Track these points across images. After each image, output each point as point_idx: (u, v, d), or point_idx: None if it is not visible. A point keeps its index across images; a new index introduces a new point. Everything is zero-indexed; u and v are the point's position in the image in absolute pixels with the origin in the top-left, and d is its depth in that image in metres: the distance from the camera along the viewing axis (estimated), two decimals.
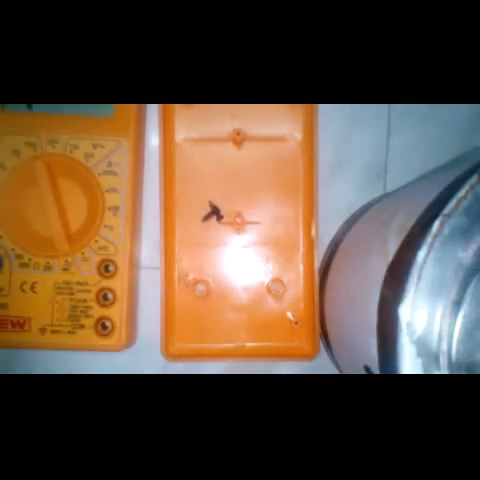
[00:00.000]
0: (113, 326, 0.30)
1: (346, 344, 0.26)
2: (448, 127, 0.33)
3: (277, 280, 0.32)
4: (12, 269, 0.30)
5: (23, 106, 0.30)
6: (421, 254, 0.18)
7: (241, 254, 0.32)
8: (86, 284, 0.30)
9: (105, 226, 0.30)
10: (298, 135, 0.32)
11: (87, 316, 0.30)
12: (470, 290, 0.18)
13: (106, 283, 0.30)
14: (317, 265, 0.31)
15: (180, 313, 0.32)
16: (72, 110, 0.30)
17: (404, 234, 0.20)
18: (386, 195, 0.32)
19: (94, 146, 0.30)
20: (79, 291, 0.30)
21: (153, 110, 0.32)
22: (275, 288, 0.32)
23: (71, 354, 0.30)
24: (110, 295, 0.30)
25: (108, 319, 0.30)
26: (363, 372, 0.22)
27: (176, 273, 0.32)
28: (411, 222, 0.20)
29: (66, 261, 0.30)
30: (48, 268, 0.30)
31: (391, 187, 0.33)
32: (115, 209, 0.30)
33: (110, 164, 0.30)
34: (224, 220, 0.32)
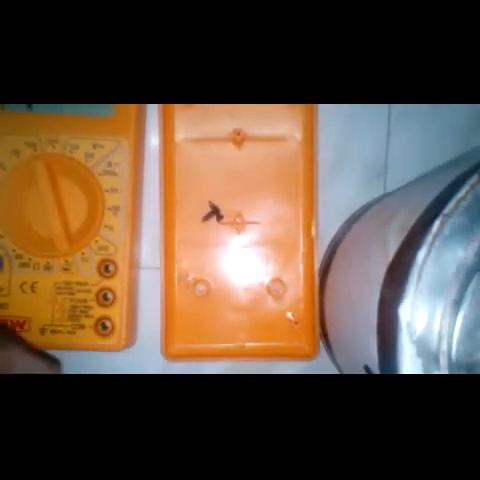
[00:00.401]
0: (113, 326, 0.30)
1: (346, 344, 0.26)
2: (448, 127, 0.33)
3: (277, 280, 0.32)
4: (12, 269, 0.30)
5: (23, 106, 0.30)
6: (421, 254, 0.18)
7: (241, 254, 0.32)
8: (86, 284, 0.30)
9: (105, 226, 0.30)
10: (298, 135, 0.32)
11: (87, 316, 0.30)
12: (470, 290, 0.18)
13: (106, 283, 0.30)
14: (317, 265, 0.31)
15: (180, 313, 0.32)
16: (72, 110, 0.29)
17: (404, 234, 0.20)
18: (386, 195, 0.32)
19: (94, 146, 0.30)
20: (79, 291, 0.30)
21: (153, 110, 0.32)
22: (275, 288, 0.32)
23: (71, 354, 0.30)
24: (110, 295, 0.30)
25: (108, 319, 0.30)
26: (363, 372, 0.22)
27: (176, 273, 0.32)
28: (411, 222, 0.20)
29: (66, 261, 0.30)
30: (48, 268, 0.30)
31: (391, 187, 0.33)
32: (115, 209, 0.30)
33: (110, 164, 0.30)
34: (224, 220, 0.32)
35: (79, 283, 0.30)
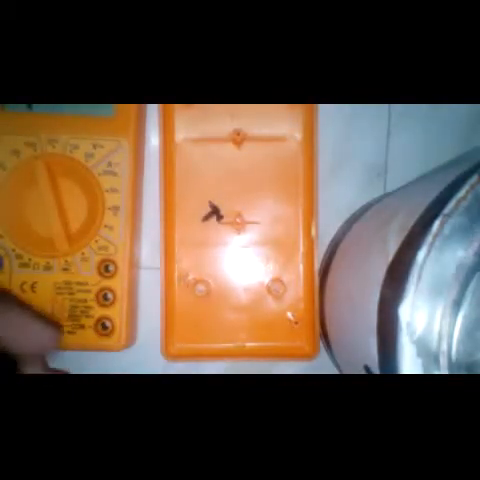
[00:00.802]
0: (113, 326, 0.30)
1: (346, 344, 0.26)
2: (448, 127, 0.33)
3: (277, 280, 0.32)
4: (12, 269, 0.30)
5: (23, 106, 0.29)
6: (421, 254, 0.18)
7: (241, 254, 0.32)
8: (86, 284, 0.30)
9: (105, 226, 0.30)
10: (298, 135, 0.32)
11: (87, 316, 0.30)
12: (470, 290, 0.18)
13: (106, 283, 0.30)
14: (317, 265, 0.31)
15: (180, 313, 0.32)
16: (72, 110, 0.29)
17: (404, 234, 0.20)
18: (386, 195, 0.32)
19: (94, 146, 0.30)
20: (79, 291, 0.30)
21: (153, 110, 0.32)
22: (275, 288, 0.32)
23: (71, 354, 0.30)
24: (110, 295, 0.30)
25: (108, 319, 0.30)
26: (363, 372, 0.22)
27: (176, 273, 0.32)
28: (411, 222, 0.20)
29: (66, 261, 0.30)
30: (48, 268, 0.30)
31: (391, 187, 0.33)
32: (115, 209, 0.30)
33: (110, 164, 0.30)
34: (224, 220, 0.32)
35: (79, 283, 0.30)
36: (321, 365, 0.32)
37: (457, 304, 0.18)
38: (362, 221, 0.29)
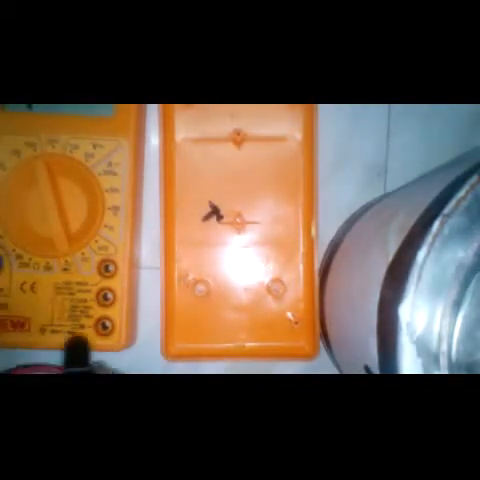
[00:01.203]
0: (113, 326, 0.30)
1: (346, 344, 0.26)
2: (448, 127, 0.33)
3: (277, 280, 0.32)
4: (12, 269, 0.30)
5: (23, 106, 0.30)
6: (421, 254, 0.18)
7: (241, 254, 0.32)
8: (86, 284, 0.30)
9: (105, 226, 0.30)
10: (298, 135, 0.32)
11: (87, 316, 0.30)
12: (470, 290, 0.18)
13: (106, 283, 0.30)
14: (317, 265, 0.31)
15: (180, 313, 0.32)
16: (72, 110, 0.29)
17: (404, 234, 0.20)
18: (386, 195, 0.32)
19: (94, 146, 0.30)
20: (79, 291, 0.30)
21: (153, 110, 0.32)
22: (275, 288, 0.32)
23: None
24: (110, 295, 0.30)
25: (108, 319, 0.30)
26: (363, 372, 0.22)
27: (176, 273, 0.32)
28: (411, 222, 0.20)
29: (66, 261, 0.30)
30: (48, 268, 0.30)
31: (391, 187, 0.33)
32: (115, 209, 0.30)
33: (110, 164, 0.30)
34: (224, 220, 0.32)
35: (79, 283, 0.30)
36: (321, 365, 0.32)
37: (457, 304, 0.18)
38: (362, 221, 0.29)
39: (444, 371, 0.18)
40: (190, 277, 0.32)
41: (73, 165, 0.30)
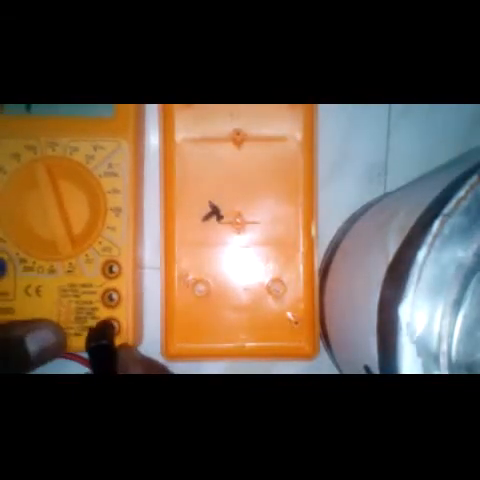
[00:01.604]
0: (120, 327, 0.30)
1: (346, 344, 0.26)
2: (449, 127, 0.33)
3: (277, 280, 0.32)
4: (16, 273, 0.30)
5: (22, 108, 0.29)
6: (421, 254, 0.18)
7: (241, 254, 0.32)
8: (91, 286, 0.30)
9: (107, 227, 0.30)
10: (298, 135, 0.32)
11: (93, 317, 0.30)
12: (470, 290, 0.18)
13: (111, 284, 0.30)
14: (317, 265, 0.31)
15: (180, 313, 0.32)
16: (71, 112, 0.29)
17: (404, 234, 0.20)
18: (386, 195, 0.32)
19: (94, 148, 0.30)
20: (84, 293, 0.30)
21: (153, 110, 0.32)
22: (275, 288, 0.32)
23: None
24: (115, 296, 0.30)
25: (114, 320, 0.30)
26: (363, 372, 0.22)
27: (176, 273, 0.32)
28: (411, 222, 0.20)
29: (70, 264, 0.30)
30: (52, 271, 0.30)
31: (391, 187, 0.33)
32: (117, 210, 0.30)
33: (110, 165, 0.30)
34: (224, 220, 0.32)
35: (84, 285, 0.30)
36: (321, 365, 0.32)
37: (457, 304, 0.18)
38: (362, 221, 0.29)
39: (444, 371, 0.18)
40: (190, 277, 0.32)
41: (74, 167, 0.29)
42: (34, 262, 0.30)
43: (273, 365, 0.33)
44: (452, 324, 0.18)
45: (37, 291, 0.30)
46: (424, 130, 0.33)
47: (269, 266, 0.32)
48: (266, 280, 0.32)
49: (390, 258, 0.20)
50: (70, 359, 0.30)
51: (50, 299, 0.30)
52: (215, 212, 0.32)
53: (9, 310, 0.29)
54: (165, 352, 0.31)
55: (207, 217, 0.32)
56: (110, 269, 0.30)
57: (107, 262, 0.30)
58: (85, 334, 0.29)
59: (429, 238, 0.18)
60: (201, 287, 0.32)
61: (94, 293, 0.30)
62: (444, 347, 0.18)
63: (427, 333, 0.18)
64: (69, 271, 0.30)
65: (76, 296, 0.30)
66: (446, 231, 0.18)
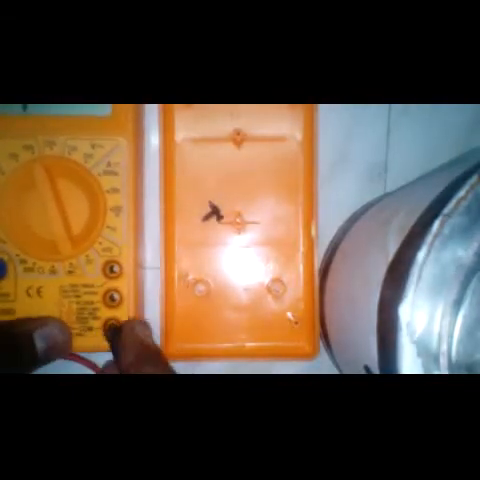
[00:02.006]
0: None
1: (346, 344, 0.26)
2: (448, 127, 0.33)
3: (277, 280, 0.32)
4: (17, 274, 0.29)
5: (18, 108, 0.29)
6: (421, 254, 0.18)
7: (241, 254, 0.32)
8: (92, 286, 0.30)
9: (108, 227, 0.30)
10: (298, 135, 0.32)
11: (95, 318, 0.30)
12: (470, 290, 0.18)
13: (112, 284, 0.30)
14: (317, 265, 0.31)
15: (180, 313, 0.32)
16: (68, 110, 0.29)
17: (404, 234, 0.20)
18: (386, 195, 0.32)
19: (93, 146, 0.29)
20: (85, 293, 0.30)
21: (153, 110, 0.32)
22: (275, 288, 0.32)
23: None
24: (117, 296, 0.30)
25: (116, 320, 0.30)
26: (363, 372, 0.22)
27: (176, 273, 0.32)
28: (411, 222, 0.19)
29: (71, 264, 0.30)
30: (53, 272, 0.30)
31: (391, 187, 0.33)
32: (117, 210, 0.30)
33: (109, 164, 0.30)
34: (224, 220, 0.32)
35: (85, 285, 0.30)
36: (321, 365, 0.32)
37: (457, 304, 0.18)
38: (362, 221, 0.29)
39: (444, 371, 0.18)
40: (190, 277, 0.32)
41: (72, 166, 0.29)
42: (34, 263, 0.29)
43: (273, 365, 0.33)
44: (452, 324, 0.18)
45: (38, 292, 0.30)
46: (424, 130, 0.33)
47: (269, 266, 0.32)
48: (266, 280, 0.32)
49: (390, 258, 0.20)
50: (74, 361, 0.30)
51: (51, 300, 0.30)
52: (215, 212, 0.32)
53: (10, 311, 0.29)
54: (165, 352, 0.31)
55: (207, 217, 0.32)
56: (111, 269, 0.30)
57: (108, 262, 0.30)
58: (87, 334, 0.29)
59: (429, 238, 0.18)
60: (201, 287, 0.32)
61: (95, 293, 0.30)
62: (444, 347, 0.18)
63: (427, 333, 0.18)
64: (70, 271, 0.30)
65: (77, 296, 0.30)
66: (446, 231, 0.18)
